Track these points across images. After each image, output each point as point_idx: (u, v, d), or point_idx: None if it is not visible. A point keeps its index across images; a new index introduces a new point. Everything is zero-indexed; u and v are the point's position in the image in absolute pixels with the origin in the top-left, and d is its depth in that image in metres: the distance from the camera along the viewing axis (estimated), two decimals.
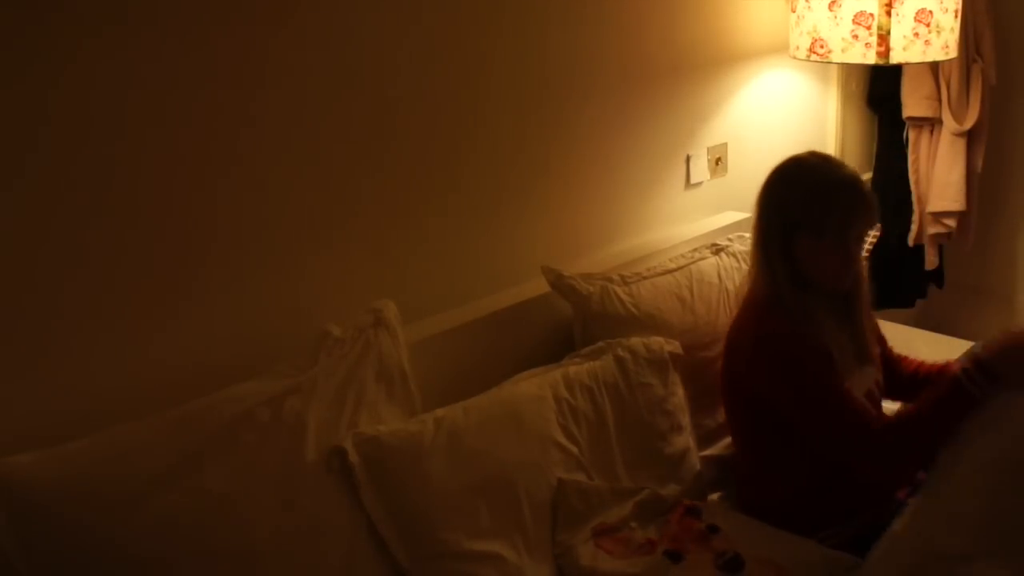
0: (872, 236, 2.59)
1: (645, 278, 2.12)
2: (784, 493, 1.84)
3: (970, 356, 1.67)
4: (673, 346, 1.98)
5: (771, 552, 1.67)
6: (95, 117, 1.46)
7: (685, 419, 1.98)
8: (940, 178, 2.95)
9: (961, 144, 2.90)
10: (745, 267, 2.26)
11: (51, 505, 1.31)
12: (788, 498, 1.83)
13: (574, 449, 1.77)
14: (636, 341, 1.95)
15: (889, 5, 2.25)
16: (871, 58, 2.30)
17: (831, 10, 2.30)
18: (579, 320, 2.03)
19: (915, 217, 3.01)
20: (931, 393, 1.68)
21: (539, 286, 2.05)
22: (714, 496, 1.99)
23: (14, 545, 1.29)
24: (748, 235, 2.36)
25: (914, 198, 3.00)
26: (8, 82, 1.37)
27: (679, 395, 1.97)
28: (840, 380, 1.73)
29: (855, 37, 2.29)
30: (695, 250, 2.28)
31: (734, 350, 1.88)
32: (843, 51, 2.32)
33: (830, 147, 3.04)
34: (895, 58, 2.29)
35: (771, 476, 1.87)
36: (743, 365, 1.84)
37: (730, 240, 2.34)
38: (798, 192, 1.79)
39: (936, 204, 2.97)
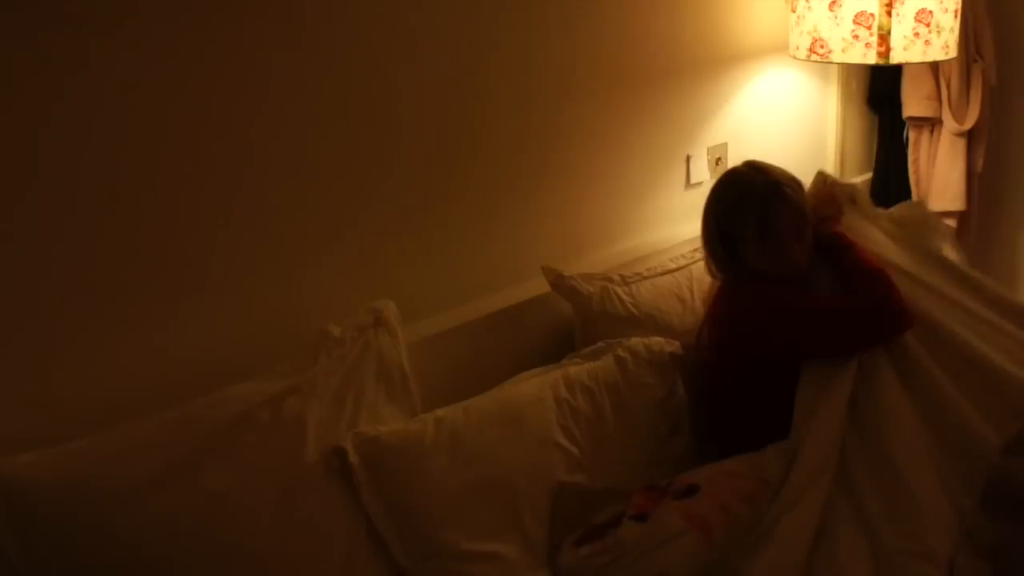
0: None
1: (645, 278, 2.13)
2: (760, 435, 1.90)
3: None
4: (673, 346, 1.98)
5: (721, 470, 1.76)
6: (100, 119, 1.46)
7: (685, 419, 1.98)
8: (940, 178, 2.95)
9: (961, 144, 2.91)
10: None
11: (51, 505, 1.31)
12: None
13: (574, 450, 1.77)
14: (636, 341, 1.95)
15: (890, 5, 2.25)
16: (871, 58, 2.30)
17: (832, 10, 2.30)
18: (579, 320, 2.03)
19: None
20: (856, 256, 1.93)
21: (539, 286, 2.05)
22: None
23: (14, 545, 1.30)
24: None
25: (914, 198, 3.00)
26: (13, 83, 1.37)
27: (679, 395, 1.97)
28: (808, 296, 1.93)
29: (856, 37, 2.29)
30: (695, 250, 2.27)
31: (727, 332, 1.96)
32: (843, 51, 2.32)
33: (830, 147, 3.04)
34: (895, 58, 2.29)
35: (751, 426, 1.93)
36: (745, 338, 1.92)
37: None
38: (723, 206, 1.98)
39: (936, 204, 2.97)
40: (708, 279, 2.19)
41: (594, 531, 1.69)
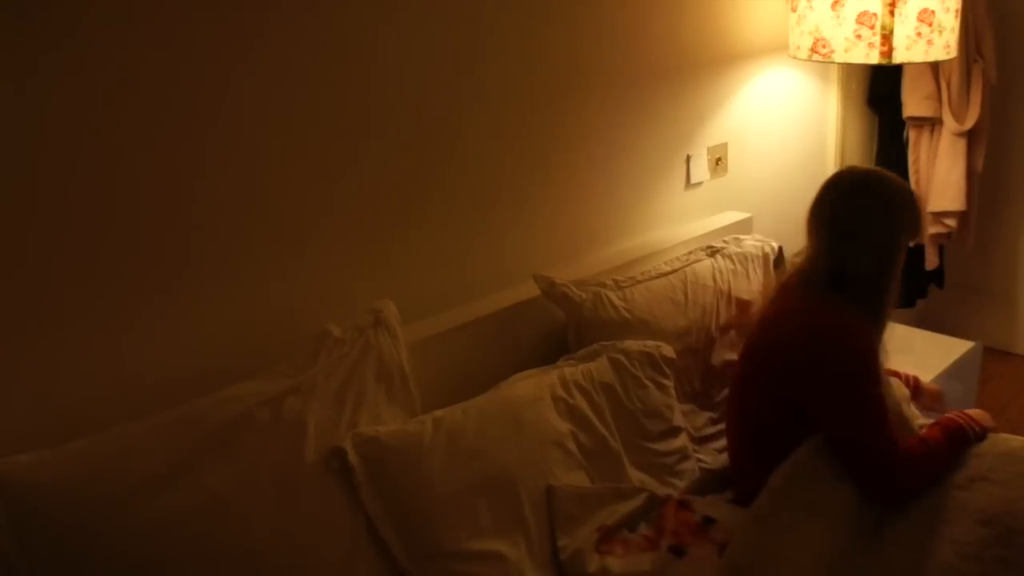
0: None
1: (639, 282, 2.12)
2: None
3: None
4: (667, 349, 1.98)
5: None
6: (96, 119, 1.46)
7: (680, 421, 1.98)
8: (940, 178, 2.95)
9: (961, 144, 2.91)
10: (740, 269, 2.26)
11: (51, 505, 1.31)
12: None
13: (573, 448, 1.77)
14: (630, 344, 1.95)
15: (892, 5, 2.24)
16: (874, 58, 2.30)
17: (834, 10, 2.30)
18: (572, 326, 2.03)
19: None
20: (938, 435, 1.74)
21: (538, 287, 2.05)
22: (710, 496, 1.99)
23: (14, 545, 1.29)
24: (744, 237, 2.37)
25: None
26: (12, 84, 1.36)
27: (673, 398, 1.98)
28: (884, 390, 1.72)
29: (858, 37, 2.29)
30: (690, 253, 2.27)
31: (780, 338, 1.79)
32: (846, 51, 2.32)
33: (830, 147, 3.04)
34: (898, 58, 2.29)
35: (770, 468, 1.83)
36: (793, 353, 1.75)
37: (725, 242, 2.34)
38: (911, 215, 1.80)
39: (936, 204, 2.97)
40: (703, 282, 2.18)
41: (609, 534, 1.69)
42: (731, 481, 1.97)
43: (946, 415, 1.82)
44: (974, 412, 1.83)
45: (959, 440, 1.75)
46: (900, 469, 1.67)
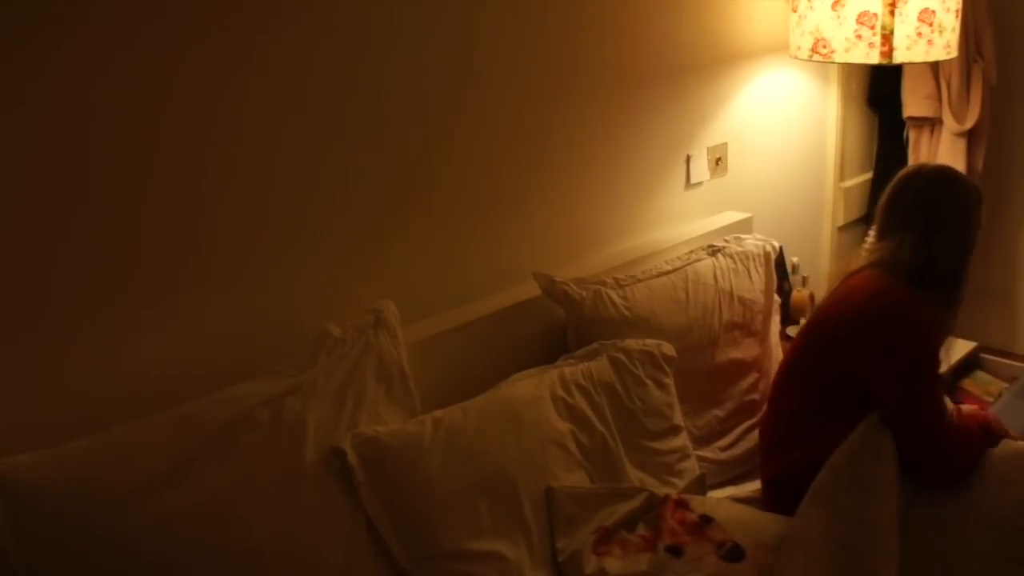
0: (872, 236, 2.58)
1: (640, 281, 2.12)
2: (813, 462, 1.78)
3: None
4: (667, 348, 1.98)
5: (765, 535, 1.68)
6: (96, 119, 1.46)
7: (680, 420, 1.98)
8: None
9: (961, 144, 2.90)
10: (741, 268, 2.26)
11: (51, 505, 1.31)
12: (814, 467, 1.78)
13: (573, 448, 1.77)
14: (630, 343, 1.95)
15: (893, 5, 2.24)
16: (874, 58, 2.30)
17: (834, 10, 2.30)
18: (572, 325, 2.03)
19: None
20: (973, 425, 1.81)
21: (538, 286, 2.05)
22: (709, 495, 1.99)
23: (14, 545, 1.29)
24: (745, 236, 2.37)
25: None
26: (13, 84, 1.36)
27: (674, 396, 1.98)
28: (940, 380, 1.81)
29: (859, 37, 2.29)
30: (691, 252, 2.27)
31: (850, 313, 1.83)
32: (846, 51, 2.32)
33: (830, 147, 3.04)
34: (898, 58, 2.29)
35: (811, 444, 1.81)
36: (861, 328, 1.79)
37: (727, 241, 2.34)
38: (978, 215, 1.89)
39: None
40: (704, 280, 2.18)
41: (607, 534, 1.68)
42: (762, 466, 1.99)
43: (969, 409, 1.87)
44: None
45: (990, 433, 1.81)
46: (949, 452, 1.72)
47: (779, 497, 1.86)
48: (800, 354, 1.92)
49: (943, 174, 1.90)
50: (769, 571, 1.61)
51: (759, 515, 1.78)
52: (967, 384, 2.36)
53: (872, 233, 1.99)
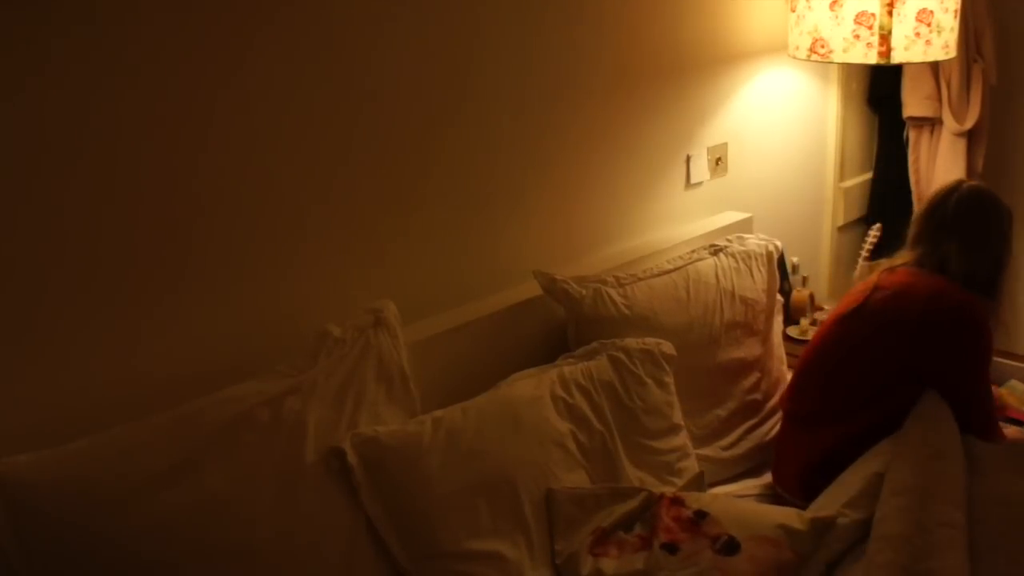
0: (872, 236, 2.58)
1: (641, 279, 2.12)
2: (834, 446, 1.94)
3: None
4: (667, 347, 1.98)
5: (760, 527, 1.69)
6: (95, 119, 1.46)
7: (680, 419, 1.98)
8: (940, 178, 2.95)
9: (961, 144, 2.90)
10: (743, 267, 2.26)
11: (51, 505, 1.31)
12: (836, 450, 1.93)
13: (573, 448, 1.77)
14: (630, 341, 1.95)
15: (891, 5, 2.25)
16: (872, 58, 2.30)
17: (832, 10, 2.30)
18: (572, 323, 2.03)
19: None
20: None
21: (539, 286, 2.05)
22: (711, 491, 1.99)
23: (14, 545, 1.29)
24: (747, 236, 2.37)
25: (914, 198, 3.00)
26: (12, 84, 1.36)
27: (674, 395, 1.97)
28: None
29: (856, 37, 2.29)
30: (693, 251, 2.27)
31: (914, 306, 1.95)
32: (844, 51, 2.32)
33: (830, 147, 3.04)
34: (896, 58, 2.29)
35: (871, 414, 1.94)
36: (930, 321, 1.92)
37: (729, 241, 2.33)
38: (1013, 225, 2.04)
39: None
40: (706, 280, 2.18)
41: (604, 535, 1.68)
42: (777, 458, 2.09)
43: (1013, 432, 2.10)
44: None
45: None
46: (995, 424, 1.95)
47: (816, 477, 1.92)
48: (848, 335, 2.01)
49: (983, 194, 2.04)
50: (764, 563, 1.62)
51: (756, 507, 1.79)
52: (1003, 394, 2.39)
53: (907, 242, 2.09)
